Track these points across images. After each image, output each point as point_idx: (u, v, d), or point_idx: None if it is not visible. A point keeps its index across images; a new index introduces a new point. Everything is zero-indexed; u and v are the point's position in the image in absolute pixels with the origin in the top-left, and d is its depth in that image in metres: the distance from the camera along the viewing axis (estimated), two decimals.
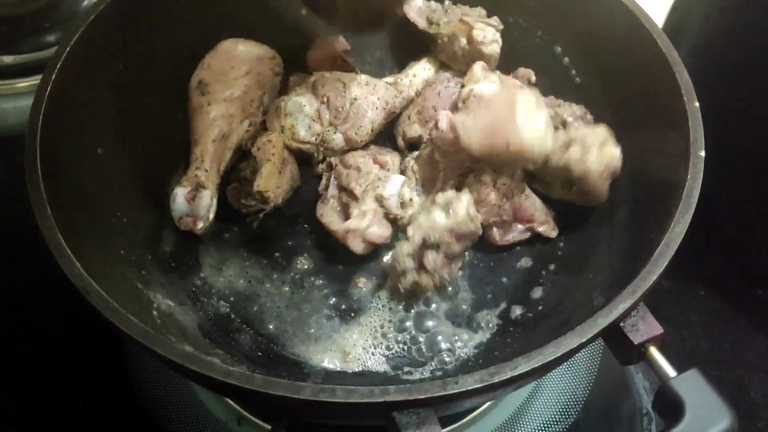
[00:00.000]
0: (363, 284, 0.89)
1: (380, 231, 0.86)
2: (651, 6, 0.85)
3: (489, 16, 1.00)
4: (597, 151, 0.81)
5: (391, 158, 0.94)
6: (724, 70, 1.00)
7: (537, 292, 0.88)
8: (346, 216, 0.88)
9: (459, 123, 0.80)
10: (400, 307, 0.88)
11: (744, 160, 1.03)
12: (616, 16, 0.85)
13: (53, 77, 0.77)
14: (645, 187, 0.82)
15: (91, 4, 0.84)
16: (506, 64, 1.01)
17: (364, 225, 0.85)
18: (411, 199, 0.89)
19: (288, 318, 0.87)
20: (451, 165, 0.86)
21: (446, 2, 0.98)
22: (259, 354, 0.84)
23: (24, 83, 1.13)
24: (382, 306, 0.88)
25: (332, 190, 0.90)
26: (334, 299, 0.88)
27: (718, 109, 0.94)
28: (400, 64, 1.07)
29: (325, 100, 0.93)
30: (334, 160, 0.93)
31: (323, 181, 0.93)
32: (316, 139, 0.93)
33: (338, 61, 1.00)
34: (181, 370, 0.61)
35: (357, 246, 0.86)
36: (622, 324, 0.65)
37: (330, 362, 0.84)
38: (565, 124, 0.91)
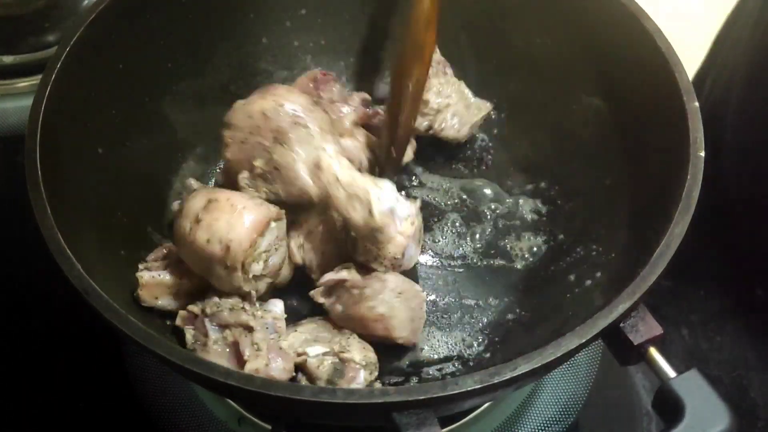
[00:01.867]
0: None
1: (282, 364, 0.76)
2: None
3: (486, 16, 1.00)
4: None
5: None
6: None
7: (537, 293, 0.88)
8: (239, 357, 0.76)
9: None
10: None
11: (744, 160, 1.03)
12: (616, 16, 0.85)
13: (53, 77, 0.77)
14: (645, 187, 0.82)
15: (91, 4, 0.84)
16: (505, 66, 1.02)
17: (264, 364, 0.75)
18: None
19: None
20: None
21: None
22: None
23: (24, 83, 1.13)
24: None
25: (213, 333, 0.77)
26: None
27: (716, 110, 0.94)
28: (390, 64, 1.07)
29: None
30: (195, 308, 0.79)
31: (188, 338, 0.78)
32: None
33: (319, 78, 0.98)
34: (182, 370, 0.61)
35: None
36: (621, 325, 0.65)
37: None
38: None
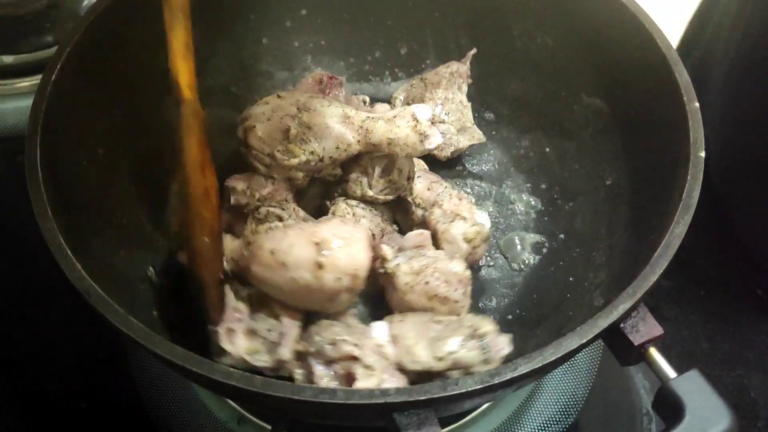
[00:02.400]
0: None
1: (396, 381, 0.73)
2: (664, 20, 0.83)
3: (486, 16, 1.00)
4: None
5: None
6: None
7: (537, 293, 0.89)
8: (350, 380, 0.73)
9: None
10: None
11: (746, 161, 1.03)
12: (617, 16, 0.85)
13: (53, 77, 0.77)
14: (645, 187, 0.82)
15: (91, 4, 0.84)
16: (505, 66, 1.02)
17: (376, 383, 0.72)
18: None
19: None
20: None
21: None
22: None
23: (24, 83, 1.13)
24: None
25: (321, 371, 0.73)
26: None
27: (724, 110, 0.93)
28: (399, 65, 1.07)
29: None
30: (300, 347, 0.76)
31: (298, 378, 0.74)
32: None
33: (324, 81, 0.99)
34: (182, 371, 0.61)
35: None
36: (622, 325, 0.65)
37: None
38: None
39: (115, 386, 0.93)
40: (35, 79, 1.02)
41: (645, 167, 0.84)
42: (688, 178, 0.71)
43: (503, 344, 0.75)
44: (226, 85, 1.00)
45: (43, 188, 0.70)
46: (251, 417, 0.87)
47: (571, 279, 0.86)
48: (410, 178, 0.87)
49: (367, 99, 1.01)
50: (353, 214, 0.85)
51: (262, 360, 0.76)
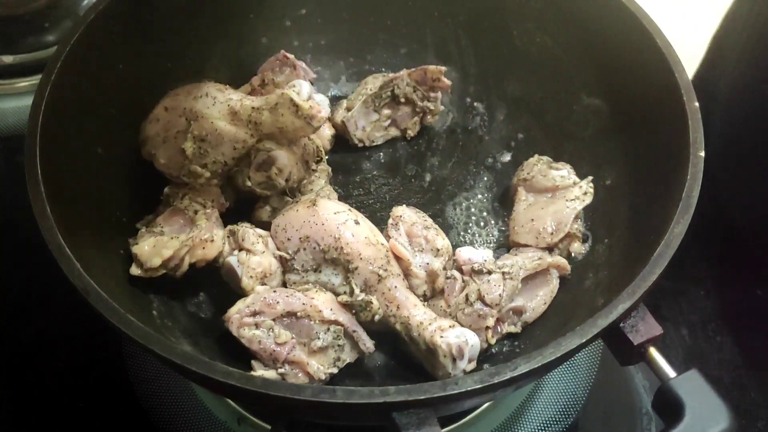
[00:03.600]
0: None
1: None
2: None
3: (486, 16, 1.00)
4: None
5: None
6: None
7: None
8: None
9: None
10: None
11: (746, 161, 1.03)
12: (616, 16, 0.85)
13: (53, 77, 0.77)
14: (645, 187, 0.82)
15: (91, 4, 0.84)
16: (505, 66, 1.02)
17: None
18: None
19: None
20: None
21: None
22: None
23: (24, 83, 1.14)
24: None
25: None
26: None
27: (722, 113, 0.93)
28: (398, 65, 1.07)
29: None
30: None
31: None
32: None
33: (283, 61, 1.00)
34: (181, 370, 0.61)
35: None
36: (621, 324, 0.65)
37: None
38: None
39: (114, 386, 0.93)
40: (35, 79, 1.02)
41: (645, 167, 0.84)
42: (688, 178, 0.71)
43: None
44: (226, 84, 1.00)
45: (42, 187, 0.70)
46: (251, 417, 0.87)
47: (571, 279, 0.86)
48: (288, 180, 0.87)
49: (313, 76, 1.01)
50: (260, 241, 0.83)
51: (350, 360, 0.79)
